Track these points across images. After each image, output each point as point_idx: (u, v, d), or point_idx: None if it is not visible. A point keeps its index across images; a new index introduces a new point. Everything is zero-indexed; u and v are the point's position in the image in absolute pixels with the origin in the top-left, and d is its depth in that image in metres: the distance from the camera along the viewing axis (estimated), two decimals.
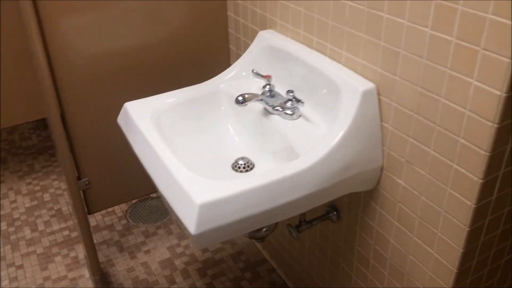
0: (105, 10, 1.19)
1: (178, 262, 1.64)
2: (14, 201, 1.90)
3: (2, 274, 1.58)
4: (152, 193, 1.55)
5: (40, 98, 1.81)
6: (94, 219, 1.81)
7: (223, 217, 0.79)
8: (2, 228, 1.77)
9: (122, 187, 1.43)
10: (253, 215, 0.81)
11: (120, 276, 1.58)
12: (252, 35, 1.28)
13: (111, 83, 1.29)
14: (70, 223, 1.79)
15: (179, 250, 1.69)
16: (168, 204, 0.85)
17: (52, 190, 1.96)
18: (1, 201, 1.90)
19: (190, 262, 1.64)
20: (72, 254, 1.66)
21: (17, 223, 1.79)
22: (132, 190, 1.45)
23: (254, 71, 1.09)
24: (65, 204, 1.89)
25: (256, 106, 1.08)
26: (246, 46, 1.33)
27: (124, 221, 1.81)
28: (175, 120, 1.10)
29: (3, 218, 1.82)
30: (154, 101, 1.12)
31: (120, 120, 1.11)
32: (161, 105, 1.10)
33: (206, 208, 0.77)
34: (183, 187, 0.81)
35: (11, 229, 1.77)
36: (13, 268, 1.60)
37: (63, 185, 1.99)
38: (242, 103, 0.99)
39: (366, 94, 0.86)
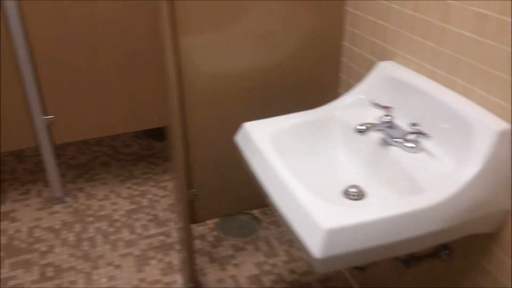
0: (225, 32, 1.26)
1: (265, 280, 1.66)
2: (115, 203, 2.02)
3: (101, 272, 1.68)
4: (252, 209, 1.60)
5: (146, 110, 1.94)
6: None
7: (348, 245, 0.80)
8: (103, 228, 1.89)
9: (225, 201, 1.48)
10: (377, 246, 0.82)
11: (210, 286, 1.62)
12: (367, 65, 1.30)
13: (226, 102, 1.35)
14: (165, 229, 1.88)
15: (266, 267, 1.71)
16: (290, 226, 0.87)
17: (150, 196, 2.07)
18: (103, 202, 2.04)
19: (277, 281, 1.66)
20: (167, 259, 1.73)
21: (117, 224, 1.91)
22: (234, 205, 1.50)
23: (373, 101, 1.10)
24: (162, 211, 1.98)
25: (371, 136, 1.09)
26: (359, 75, 1.35)
27: (215, 233, 1.87)
28: (290, 143, 1.13)
29: (104, 218, 1.94)
30: (271, 123, 1.15)
31: (238, 139, 1.16)
32: (278, 127, 1.14)
33: (333, 234, 0.79)
34: (309, 211, 0.83)
35: (112, 229, 1.88)
36: (112, 267, 1.70)
37: (160, 192, 2.09)
38: (363, 132, 1.00)
39: (502, 135, 0.84)
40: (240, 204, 1.55)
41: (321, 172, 1.14)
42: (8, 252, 1.77)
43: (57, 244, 1.81)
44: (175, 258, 1.74)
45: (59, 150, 2.40)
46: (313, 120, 1.17)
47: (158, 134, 2.53)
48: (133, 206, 2.01)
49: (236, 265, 1.72)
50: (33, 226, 1.90)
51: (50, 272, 1.68)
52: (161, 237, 1.84)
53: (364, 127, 1.00)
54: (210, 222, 1.92)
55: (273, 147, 1.06)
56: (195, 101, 1.31)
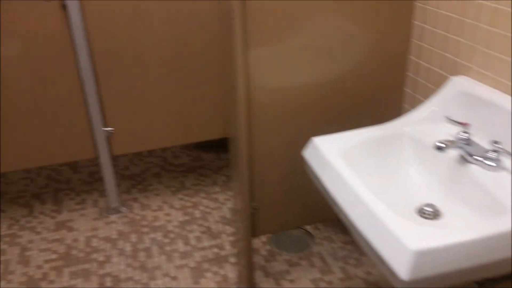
0: (289, 46, 1.26)
1: None
2: (168, 214, 2.05)
3: (158, 283, 1.70)
4: (307, 224, 1.58)
5: (201, 123, 1.96)
6: None
7: (436, 267, 0.78)
8: (158, 238, 1.91)
9: (284, 216, 1.47)
10: (464, 269, 0.79)
11: None
12: (435, 80, 1.27)
13: (288, 115, 1.35)
14: (218, 241, 1.88)
15: (322, 284, 1.69)
16: (371, 246, 0.86)
17: (201, 208, 2.08)
18: (157, 213, 2.06)
19: None
20: (222, 272, 1.73)
21: (172, 235, 1.92)
22: (292, 219, 1.50)
23: (450, 117, 1.07)
24: (214, 223, 1.99)
25: (445, 153, 1.06)
26: (426, 90, 1.32)
27: (268, 247, 1.86)
28: (360, 158, 1.12)
29: (159, 229, 1.96)
30: (340, 138, 1.15)
31: (307, 153, 1.15)
32: (348, 142, 1.13)
33: (422, 256, 0.77)
34: (395, 231, 0.81)
35: (166, 240, 1.90)
36: (168, 279, 1.72)
37: (211, 204, 2.10)
38: (442, 149, 0.98)
39: None
40: (298, 219, 1.54)
41: (393, 189, 1.12)
42: (67, 261, 1.81)
43: (114, 254, 1.84)
44: (229, 271, 1.74)
45: (113, 161, 2.45)
46: (383, 136, 1.16)
47: (206, 145, 2.55)
48: (186, 218, 2.02)
49: (291, 281, 1.70)
50: (90, 236, 1.94)
51: (108, 282, 1.71)
52: (215, 250, 1.84)
53: (443, 144, 0.97)
54: (263, 236, 1.91)
55: (346, 162, 1.05)
56: (257, 114, 1.32)
